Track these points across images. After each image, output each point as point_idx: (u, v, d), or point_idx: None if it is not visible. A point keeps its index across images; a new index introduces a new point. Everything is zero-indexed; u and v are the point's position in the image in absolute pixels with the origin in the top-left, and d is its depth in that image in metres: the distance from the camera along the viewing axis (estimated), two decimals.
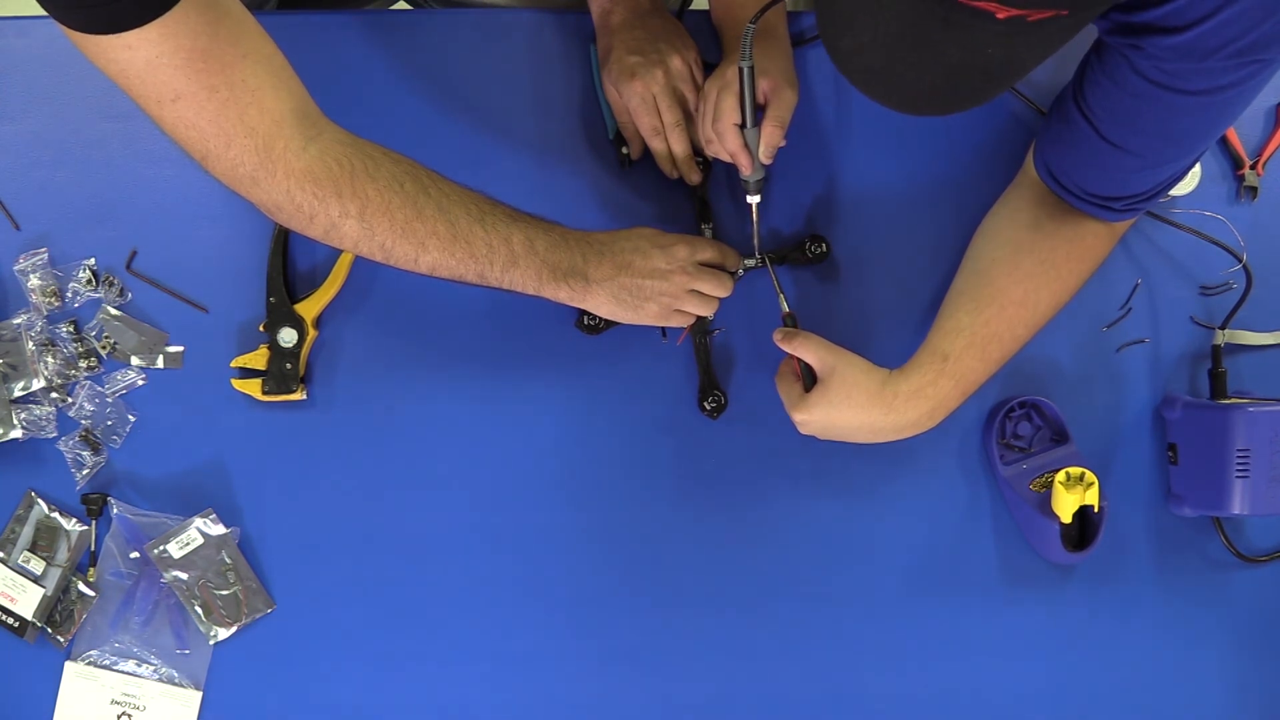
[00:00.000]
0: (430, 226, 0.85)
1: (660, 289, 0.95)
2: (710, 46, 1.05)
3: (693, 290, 0.97)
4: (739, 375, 1.06)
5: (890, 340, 1.05)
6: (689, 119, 1.00)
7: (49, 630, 1.00)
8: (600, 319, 1.01)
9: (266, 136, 0.78)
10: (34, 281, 1.01)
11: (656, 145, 1.01)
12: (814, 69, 1.07)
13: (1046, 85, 1.08)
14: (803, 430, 0.99)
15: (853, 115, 1.08)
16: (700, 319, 1.02)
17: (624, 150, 1.04)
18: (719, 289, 0.98)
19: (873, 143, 1.07)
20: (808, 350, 0.97)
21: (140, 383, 1.02)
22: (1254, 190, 1.09)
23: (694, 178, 1.02)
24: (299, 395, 1.01)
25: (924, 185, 1.08)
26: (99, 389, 1.01)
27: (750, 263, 1.03)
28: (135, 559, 1.01)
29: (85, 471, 1.01)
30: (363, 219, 0.83)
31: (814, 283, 1.06)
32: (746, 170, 0.94)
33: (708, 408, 1.03)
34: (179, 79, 0.73)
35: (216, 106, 0.75)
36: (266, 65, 0.78)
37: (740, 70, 0.88)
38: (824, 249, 1.04)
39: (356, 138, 0.85)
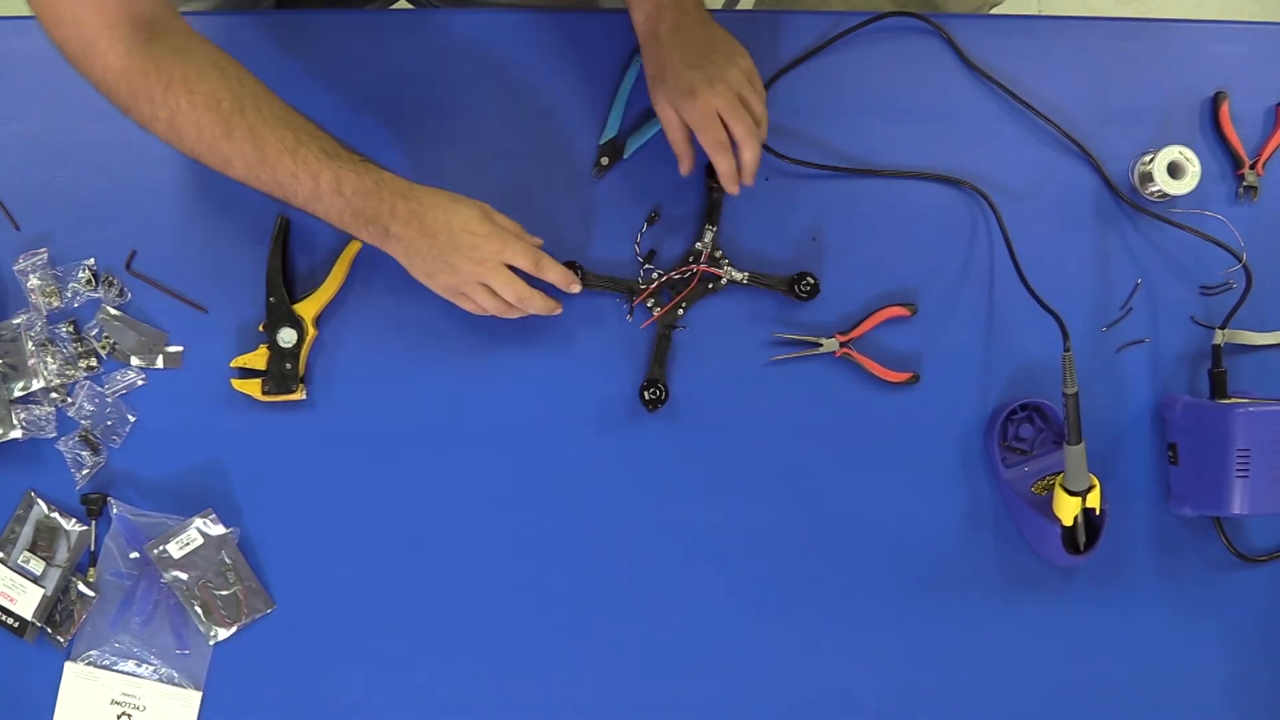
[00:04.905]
0: (237, 148, 0.87)
1: (455, 266, 0.93)
2: (763, 49, 1.06)
3: (485, 283, 0.95)
4: (705, 381, 1.05)
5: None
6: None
7: (49, 630, 1.00)
8: None
9: (92, 32, 0.83)
10: (34, 281, 1.01)
11: (722, 163, 0.97)
12: (809, 98, 1.08)
13: (1071, 112, 1.08)
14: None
15: (843, 139, 1.08)
16: (670, 313, 1.03)
17: (602, 160, 1.05)
18: (509, 292, 0.95)
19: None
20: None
21: (140, 383, 1.02)
22: (1254, 190, 1.09)
23: (749, 182, 0.99)
24: (299, 395, 1.01)
25: (912, 218, 1.08)
26: (99, 389, 1.01)
27: (742, 269, 1.03)
28: (135, 559, 1.01)
29: (85, 471, 1.01)
30: (171, 125, 0.87)
31: (802, 320, 1.06)
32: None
33: (646, 398, 1.03)
34: None
35: None
36: None
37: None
38: (812, 285, 1.04)
39: (201, 47, 0.88)
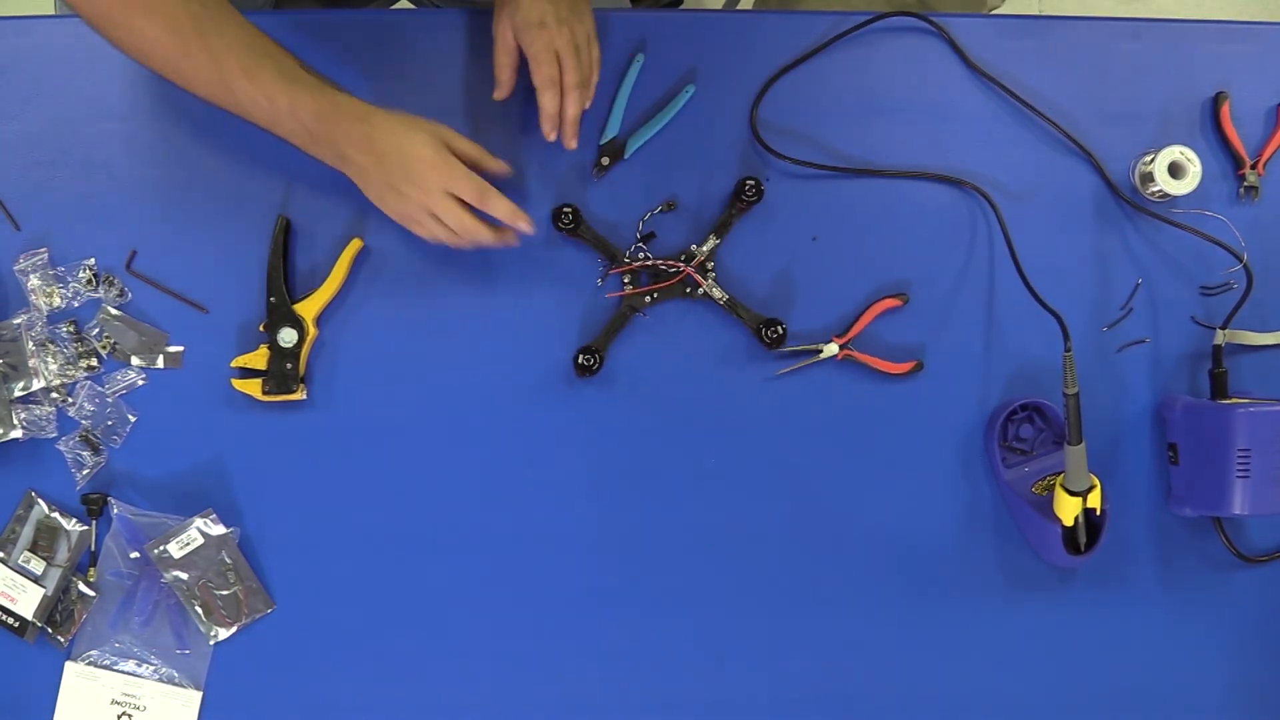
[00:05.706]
0: (194, 69, 0.88)
1: (403, 193, 0.93)
2: (763, 49, 1.06)
3: (432, 212, 0.94)
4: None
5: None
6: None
7: (49, 630, 1.00)
8: None
9: None
10: (34, 281, 1.01)
11: (548, 100, 0.98)
12: (810, 98, 1.08)
13: (1071, 113, 1.08)
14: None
15: (843, 139, 1.08)
16: (636, 296, 1.03)
17: (603, 160, 1.05)
18: (453, 220, 0.93)
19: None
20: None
21: (140, 383, 1.02)
22: (1255, 190, 1.09)
23: (572, 143, 1.00)
24: (299, 395, 1.01)
25: (912, 218, 1.08)
26: (99, 389, 1.01)
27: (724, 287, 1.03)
28: (135, 559, 1.01)
29: (85, 471, 1.01)
30: (136, 48, 0.88)
31: (801, 325, 1.06)
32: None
33: (580, 362, 1.02)
34: None
35: None
36: None
37: None
38: (779, 334, 1.04)
39: None
